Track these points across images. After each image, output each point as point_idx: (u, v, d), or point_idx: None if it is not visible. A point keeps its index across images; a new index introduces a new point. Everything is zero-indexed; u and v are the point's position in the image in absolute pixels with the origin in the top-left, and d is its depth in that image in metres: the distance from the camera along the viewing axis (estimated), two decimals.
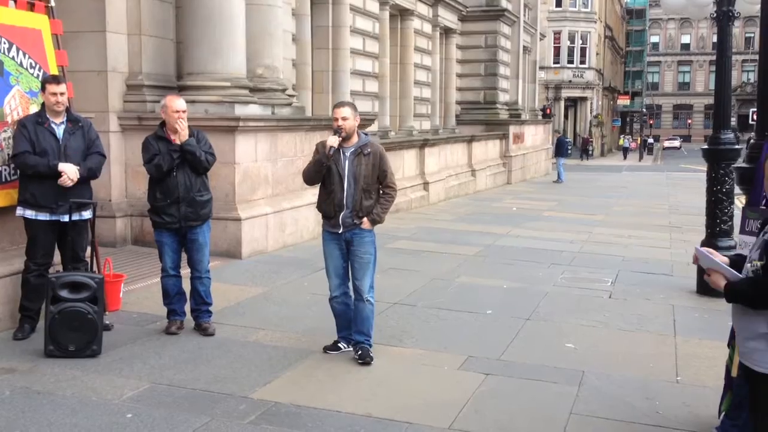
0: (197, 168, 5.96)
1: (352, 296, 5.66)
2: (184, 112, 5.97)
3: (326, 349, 5.69)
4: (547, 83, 48.75)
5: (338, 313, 5.71)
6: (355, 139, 5.49)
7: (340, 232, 5.49)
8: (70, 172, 5.62)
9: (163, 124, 6.02)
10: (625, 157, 49.84)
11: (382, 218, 5.56)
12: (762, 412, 3.08)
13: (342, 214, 5.44)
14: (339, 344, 5.70)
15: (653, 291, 8.23)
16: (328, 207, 5.50)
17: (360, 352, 5.52)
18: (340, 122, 5.39)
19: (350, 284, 5.67)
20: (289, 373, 5.23)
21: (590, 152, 51.11)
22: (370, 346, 5.59)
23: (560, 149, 27.31)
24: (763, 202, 4.18)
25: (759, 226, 4.00)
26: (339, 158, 5.43)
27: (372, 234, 5.58)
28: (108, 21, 9.11)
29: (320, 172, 5.46)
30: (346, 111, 5.43)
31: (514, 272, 9.07)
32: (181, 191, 5.88)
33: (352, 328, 5.65)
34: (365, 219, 5.47)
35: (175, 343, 5.82)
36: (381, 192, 5.57)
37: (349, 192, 5.42)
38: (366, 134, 5.68)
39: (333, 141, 5.35)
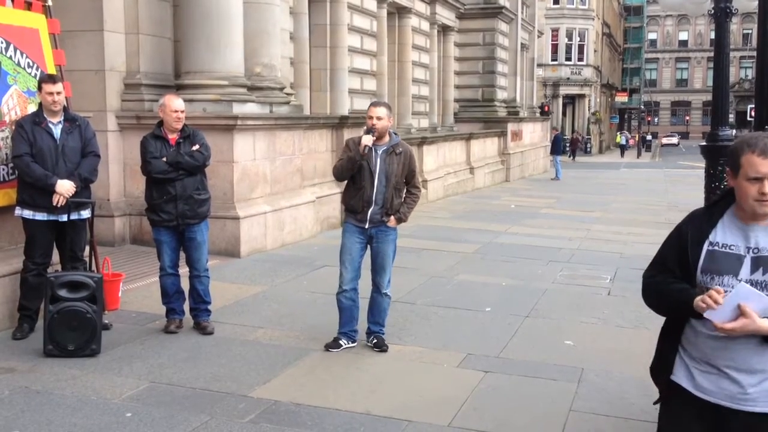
0: (193, 172, 5.97)
1: (361, 295, 5.74)
2: (182, 112, 5.98)
3: (327, 346, 5.69)
4: (545, 80, 48.73)
5: (344, 308, 5.73)
6: (386, 138, 5.62)
7: (366, 227, 5.61)
8: (63, 191, 5.63)
9: (160, 123, 6.03)
10: (622, 155, 49.64)
11: (407, 217, 5.74)
12: None
13: (371, 210, 5.57)
14: (340, 341, 5.71)
15: None
16: (356, 202, 5.60)
17: (376, 341, 5.71)
18: (375, 122, 5.50)
19: (360, 281, 5.74)
20: (288, 372, 5.23)
21: (588, 149, 51.05)
22: (384, 335, 5.77)
23: (556, 147, 27.35)
24: None
25: None
26: (371, 156, 5.55)
27: (395, 232, 5.75)
28: (105, 20, 9.10)
29: (353, 169, 5.57)
30: (381, 111, 5.54)
31: (513, 269, 9.08)
32: (178, 190, 5.88)
33: (367, 318, 5.79)
34: (392, 217, 5.62)
35: (174, 342, 5.82)
36: (407, 192, 5.74)
37: (380, 189, 5.55)
38: (396, 134, 5.80)
39: (367, 140, 5.45)
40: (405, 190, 5.74)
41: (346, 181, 5.76)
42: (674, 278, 2.64)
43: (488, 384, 5.09)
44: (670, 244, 2.74)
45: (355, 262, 5.68)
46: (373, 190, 5.54)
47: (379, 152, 5.56)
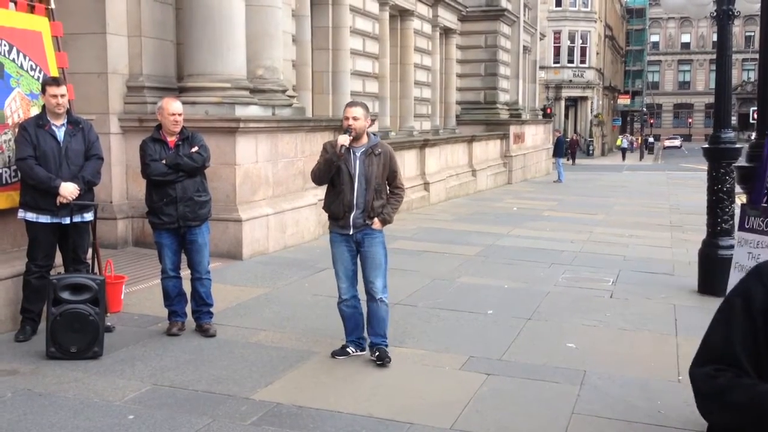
0: (193, 174, 5.97)
1: (361, 299, 5.61)
2: (180, 115, 5.97)
3: (334, 354, 5.59)
4: (548, 83, 48.73)
5: (347, 317, 5.62)
6: (365, 139, 5.44)
7: (350, 233, 5.44)
8: (67, 194, 5.62)
9: (159, 126, 6.03)
10: (623, 158, 49.25)
11: (392, 218, 5.54)
12: None
13: (352, 214, 5.39)
14: (347, 349, 5.63)
15: (654, 290, 8.23)
16: (337, 208, 5.44)
17: (378, 353, 5.48)
18: (351, 122, 5.32)
19: (358, 287, 5.60)
20: (290, 374, 5.23)
21: (590, 152, 50.96)
22: (387, 346, 5.55)
23: (559, 149, 27.35)
24: (765, 199, 4.15)
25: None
26: (349, 158, 5.38)
27: (382, 234, 5.55)
28: (108, 23, 9.12)
29: (330, 171, 5.40)
30: (357, 111, 5.36)
31: (515, 272, 9.07)
32: (178, 192, 5.88)
33: (367, 330, 5.61)
34: (376, 219, 5.43)
35: (176, 344, 5.82)
36: (390, 192, 5.55)
37: (360, 192, 5.37)
38: (375, 135, 5.63)
39: (343, 140, 5.28)
40: (388, 191, 5.55)
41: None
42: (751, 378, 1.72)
43: (490, 387, 5.09)
44: (733, 321, 1.78)
45: (349, 270, 5.52)
46: (353, 194, 5.36)
47: (358, 154, 5.39)
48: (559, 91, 50.39)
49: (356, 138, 5.37)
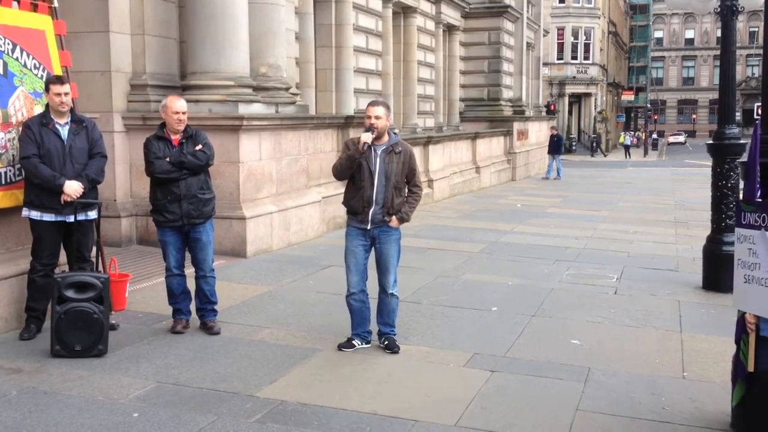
0: (197, 172, 5.97)
1: (368, 293, 5.73)
2: (184, 113, 5.97)
3: (341, 346, 5.70)
4: (551, 79, 48.63)
5: (354, 310, 5.73)
6: (386, 137, 5.61)
7: (368, 228, 5.59)
8: (71, 192, 5.63)
9: (163, 124, 6.03)
10: (626, 155, 48.71)
11: (410, 217, 5.71)
12: None
13: (371, 210, 5.55)
14: (353, 341, 5.72)
15: (659, 287, 8.21)
16: (356, 203, 5.59)
17: (387, 342, 5.69)
18: (373, 120, 5.50)
19: (367, 282, 5.72)
20: (294, 372, 5.24)
21: (594, 150, 50.75)
22: (395, 336, 5.74)
23: (557, 147, 27.17)
24: (758, 194, 4.11)
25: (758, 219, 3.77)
26: (370, 155, 5.54)
27: (399, 232, 5.72)
28: (111, 21, 9.13)
29: (352, 168, 5.56)
30: (379, 110, 5.54)
31: (519, 269, 9.06)
32: (182, 189, 5.89)
33: (376, 321, 5.78)
34: (394, 217, 5.59)
35: (180, 342, 5.83)
36: (409, 191, 5.71)
37: (380, 189, 5.54)
38: (395, 134, 5.78)
39: (366, 137, 5.44)
40: (406, 190, 5.72)
41: (346, 182, 5.74)
42: None
43: (495, 383, 5.09)
44: None
45: (360, 264, 5.66)
46: (373, 190, 5.53)
47: (379, 152, 5.56)
48: (563, 87, 50.27)
49: (378, 136, 5.54)
